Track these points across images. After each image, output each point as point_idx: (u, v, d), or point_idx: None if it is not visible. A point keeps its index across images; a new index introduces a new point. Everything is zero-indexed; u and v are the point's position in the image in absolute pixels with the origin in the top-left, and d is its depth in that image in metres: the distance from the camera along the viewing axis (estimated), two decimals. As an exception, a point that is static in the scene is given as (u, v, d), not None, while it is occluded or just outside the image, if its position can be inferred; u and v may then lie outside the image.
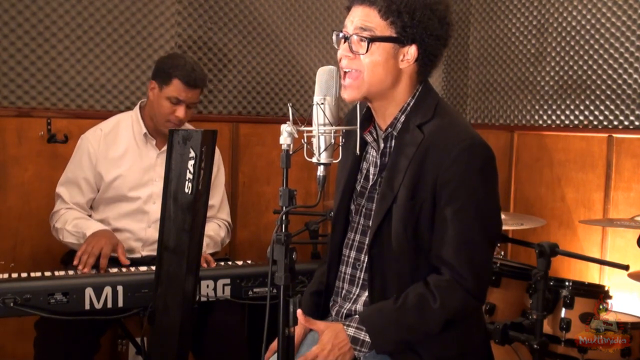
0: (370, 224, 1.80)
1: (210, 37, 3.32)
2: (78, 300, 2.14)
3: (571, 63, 3.44)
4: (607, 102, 3.31)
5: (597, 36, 3.32)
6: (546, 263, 2.20)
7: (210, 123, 3.26)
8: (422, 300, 1.71)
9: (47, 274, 2.24)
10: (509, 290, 2.65)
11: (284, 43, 3.54)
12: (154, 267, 2.19)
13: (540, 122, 3.61)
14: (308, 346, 1.82)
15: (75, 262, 2.37)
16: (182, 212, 2.04)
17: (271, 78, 3.53)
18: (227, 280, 2.36)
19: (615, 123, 3.29)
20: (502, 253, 2.99)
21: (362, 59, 1.72)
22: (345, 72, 1.75)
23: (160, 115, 2.62)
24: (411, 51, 1.74)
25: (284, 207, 1.59)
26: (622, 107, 3.26)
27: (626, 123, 3.25)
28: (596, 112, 3.36)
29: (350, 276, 1.87)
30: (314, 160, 1.64)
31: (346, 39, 1.74)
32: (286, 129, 1.58)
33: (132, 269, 2.40)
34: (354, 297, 1.86)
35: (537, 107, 3.62)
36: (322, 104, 1.63)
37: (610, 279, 3.27)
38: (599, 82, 3.33)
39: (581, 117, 3.43)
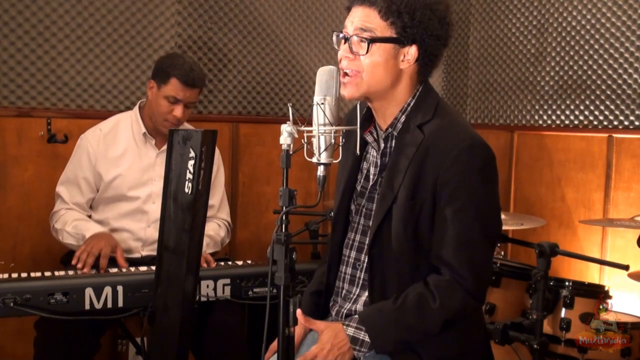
0: (371, 224, 1.80)
1: (210, 37, 3.32)
2: (78, 300, 2.14)
3: (571, 63, 3.44)
4: (607, 102, 3.31)
5: (597, 36, 3.32)
6: (546, 263, 2.20)
7: (210, 123, 3.26)
8: (421, 300, 1.71)
9: (47, 274, 2.24)
10: (509, 290, 2.65)
11: (284, 43, 3.53)
12: (154, 267, 2.19)
13: (540, 122, 3.61)
14: (308, 346, 1.81)
15: (74, 262, 2.37)
16: (182, 212, 2.05)
17: (271, 78, 3.53)
18: (227, 280, 2.36)
19: (615, 123, 3.29)
20: (502, 253, 2.99)
21: (363, 59, 1.72)
22: (345, 73, 1.75)
23: (158, 114, 2.62)
24: (411, 51, 1.74)
25: (284, 207, 1.59)
26: (622, 107, 3.26)
27: (626, 123, 3.25)
28: (596, 112, 3.36)
29: (351, 276, 1.87)
30: (314, 160, 1.64)
31: (346, 39, 1.74)
32: (286, 129, 1.58)
33: (132, 269, 2.40)
34: (354, 297, 1.86)
35: (537, 107, 3.62)
36: (322, 104, 1.63)
37: (610, 279, 3.27)
38: (599, 82, 3.33)
39: (581, 117, 3.43)
